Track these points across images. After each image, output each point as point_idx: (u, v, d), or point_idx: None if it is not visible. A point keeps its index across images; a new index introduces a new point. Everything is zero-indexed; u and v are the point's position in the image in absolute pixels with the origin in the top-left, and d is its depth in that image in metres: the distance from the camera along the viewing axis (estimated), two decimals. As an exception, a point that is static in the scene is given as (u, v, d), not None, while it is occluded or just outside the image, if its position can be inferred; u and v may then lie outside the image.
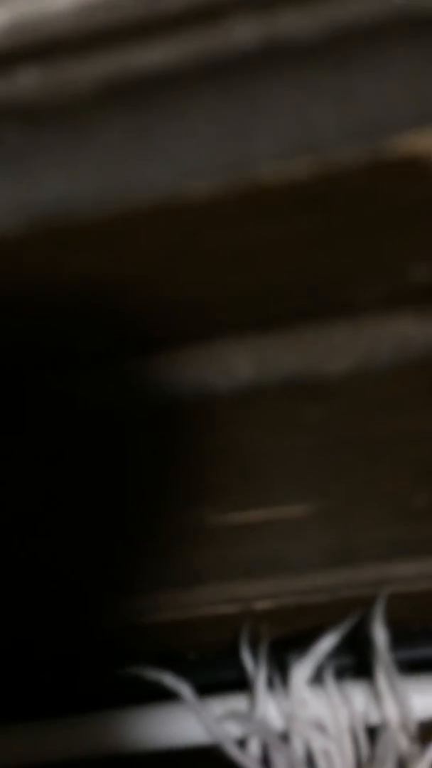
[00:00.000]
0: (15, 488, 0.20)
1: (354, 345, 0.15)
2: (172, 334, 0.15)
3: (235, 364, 0.15)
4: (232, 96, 0.11)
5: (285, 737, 0.25)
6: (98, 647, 0.27)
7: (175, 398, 0.16)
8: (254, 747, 0.24)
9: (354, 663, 0.26)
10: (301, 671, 0.25)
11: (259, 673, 0.25)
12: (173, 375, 0.16)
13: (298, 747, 0.24)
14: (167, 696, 0.26)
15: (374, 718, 0.24)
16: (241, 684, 0.27)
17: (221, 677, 0.27)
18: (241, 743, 0.25)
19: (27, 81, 0.12)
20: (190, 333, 0.15)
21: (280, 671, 0.26)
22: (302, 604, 0.25)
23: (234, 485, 0.19)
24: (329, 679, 0.25)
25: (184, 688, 0.25)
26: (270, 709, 0.25)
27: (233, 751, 0.24)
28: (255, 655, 0.26)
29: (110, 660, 0.28)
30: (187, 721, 0.25)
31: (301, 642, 0.26)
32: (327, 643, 0.25)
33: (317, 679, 0.25)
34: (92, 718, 0.26)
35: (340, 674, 0.26)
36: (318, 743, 0.24)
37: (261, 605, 0.25)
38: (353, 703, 0.24)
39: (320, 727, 0.24)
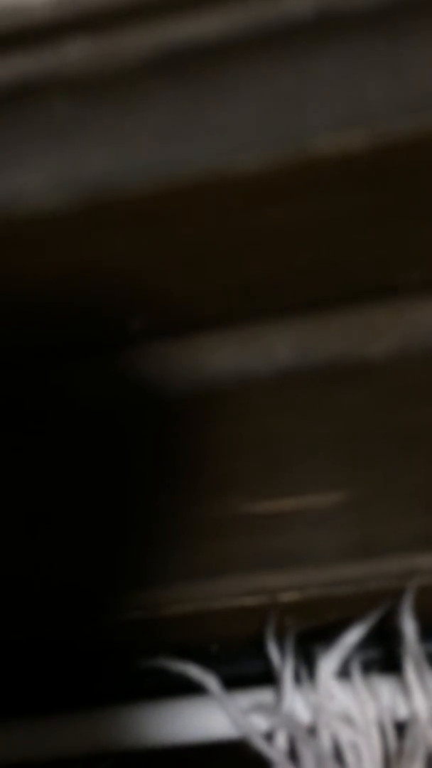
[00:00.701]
0: (39, 478, 0.20)
1: (395, 328, 0.15)
2: (212, 315, 0.14)
3: (275, 347, 0.15)
4: (285, 67, 0.11)
5: (312, 731, 0.24)
6: (120, 640, 0.27)
7: (211, 382, 0.16)
8: (281, 740, 0.24)
9: (381, 656, 0.25)
10: (328, 664, 0.24)
11: (285, 666, 0.25)
12: (211, 358, 0.16)
13: (325, 740, 0.24)
14: (190, 689, 0.26)
15: (402, 712, 0.24)
16: (265, 677, 0.27)
17: (245, 670, 0.27)
18: (268, 737, 0.25)
19: (76, 53, 0.11)
20: (230, 315, 0.15)
21: (306, 664, 0.25)
22: (328, 596, 0.25)
23: (265, 473, 0.19)
24: (356, 672, 0.24)
25: (210, 680, 0.25)
26: (297, 702, 0.25)
27: (260, 745, 0.24)
28: (281, 647, 0.25)
29: (131, 652, 0.28)
30: (212, 714, 0.25)
31: (327, 635, 0.26)
32: (354, 635, 0.25)
33: (344, 672, 0.25)
34: (115, 712, 0.26)
35: (367, 667, 0.25)
36: (346, 736, 0.24)
37: (287, 597, 0.25)
38: (381, 696, 0.24)
39: (348, 721, 0.24)
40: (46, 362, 0.16)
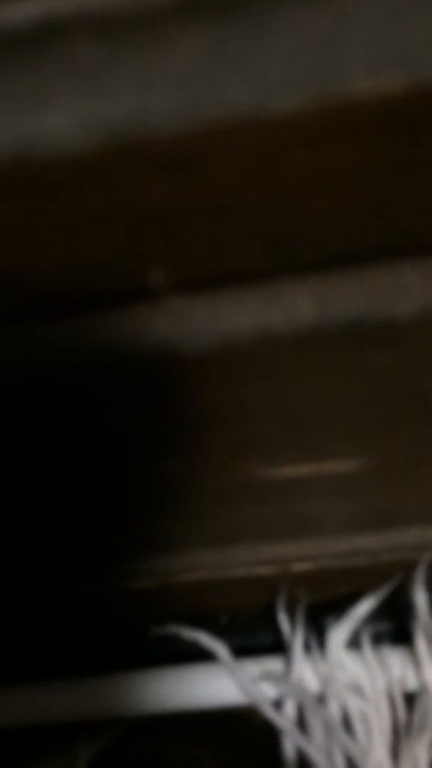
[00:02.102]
0: (45, 441, 0.20)
1: (424, 288, 0.14)
2: (233, 270, 0.14)
3: (297, 305, 0.15)
4: (321, 8, 0.11)
5: (321, 700, 0.24)
6: (130, 607, 0.27)
7: (229, 341, 0.16)
8: (290, 709, 0.24)
9: (391, 629, 0.25)
10: (338, 634, 0.24)
11: (296, 636, 0.25)
12: (230, 316, 0.15)
13: (334, 709, 0.24)
14: (200, 657, 0.26)
15: (412, 684, 0.24)
16: (274, 649, 0.27)
17: (254, 641, 0.27)
18: (276, 705, 0.25)
19: (104, -9, 0.11)
20: (252, 270, 0.14)
21: (316, 635, 0.25)
22: (341, 568, 0.25)
23: (283, 437, 0.19)
24: (366, 643, 0.24)
25: (220, 648, 0.25)
26: (306, 671, 0.25)
27: (269, 713, 0.24)
28: (291, 618, 0.25)
29: (142, 621, 0.28)
30: (221, 682, 0.25)
31: (338, 607, 0.26)
32: (365, 607, 0.24)
33: (354, 644, 0.25)
34: (124, 678, 0.26)
35: (378, 640, 0.25)
36: (355, 706, 0.23)
37: (299, 567, 0.25)
38: (391, 667, 0.24)
39: (357, 691, 0.24)
40: (52, 318, 0.16)
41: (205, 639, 0.25)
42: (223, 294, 0.15)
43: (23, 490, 0.22)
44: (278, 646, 0.26)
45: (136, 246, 0.13)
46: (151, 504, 0.22)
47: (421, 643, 0.24)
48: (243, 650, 0.27)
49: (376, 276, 0.14)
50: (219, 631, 0.26)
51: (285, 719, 0.24)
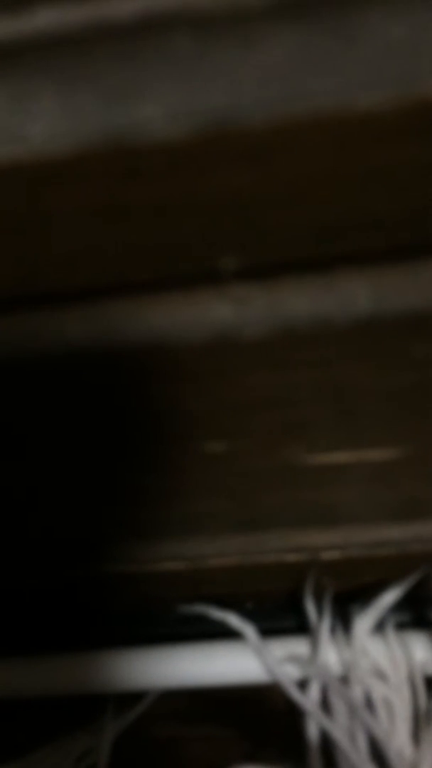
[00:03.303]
0: (84, 425, 0.21)
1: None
2: (298, 258, 0.15)
3: (355, 295, 0.16)
4: (398, 15, 0.12)
5: (344, 683, 0.25)
6: (157, 587, 0.28)
7: (286, 328, 0.17)
8: (315, 690, 0.25)
9: (415, 618, 0.26)
10: (364, 623, 0.25)
11: (323, 620, 0.25)
12: (289, 303, 0.16)
13: (358, 694, 0.24)
14: (224, 637, 0.27)
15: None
16: (297, 634, 0.27)
17: (279, 626, 0.28)
18: (300, 686, 0.25)
19: (202, -9, 0.12)
20: (313, 259, 0.15)
21: (341, 622, 0.26)
22: (369, 557, 0.25)
23: (327, 424, 0.19)
24: (390, 630, 0.25)
25: (248, 629, 0.26)
26: (330, 656, 0.25)
27: (294, 693, 0.25)
28: (318, 604, 0.26)
29: (167, 601, 0.28)
30: (246, 660, 0.26)
31: (362, 596, 0.27)
32: (391, 596, 0.25)
33: (378, 631, 0.26)
34: (151, 652, 0.27)
35: (401, 628, 0.26)
36: (378, 691, 0.24)
37: (327, 555, 0.26)
38: (413, 655, 0.25)
39: (381, 676, 0.25)
40: (117, 299, 0.17)
41: (234, 619, 0.26)
42: (285, 282, 0.16)
43: (66, 472, 0.23)
44: (302, 632, 0.27)
45: (212, 232, 0.14)
46: (190, 486, 0.23)
47: (444, 632, 0.24)
48: (267, 634, 0.27)
49: (429, 269, 0.15)
50: (245, 615, 0.27)
51: (309, 700, 0.25)
